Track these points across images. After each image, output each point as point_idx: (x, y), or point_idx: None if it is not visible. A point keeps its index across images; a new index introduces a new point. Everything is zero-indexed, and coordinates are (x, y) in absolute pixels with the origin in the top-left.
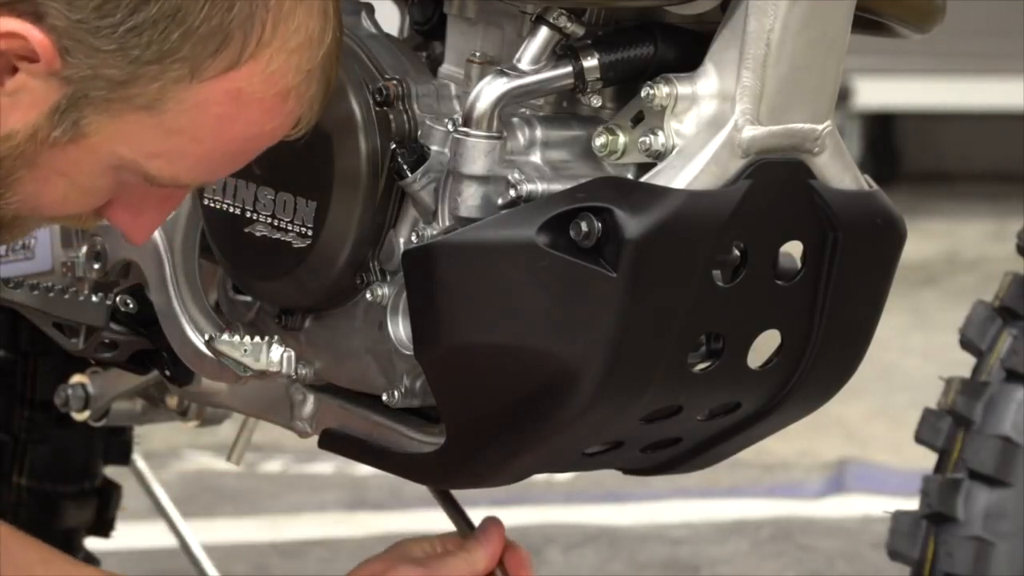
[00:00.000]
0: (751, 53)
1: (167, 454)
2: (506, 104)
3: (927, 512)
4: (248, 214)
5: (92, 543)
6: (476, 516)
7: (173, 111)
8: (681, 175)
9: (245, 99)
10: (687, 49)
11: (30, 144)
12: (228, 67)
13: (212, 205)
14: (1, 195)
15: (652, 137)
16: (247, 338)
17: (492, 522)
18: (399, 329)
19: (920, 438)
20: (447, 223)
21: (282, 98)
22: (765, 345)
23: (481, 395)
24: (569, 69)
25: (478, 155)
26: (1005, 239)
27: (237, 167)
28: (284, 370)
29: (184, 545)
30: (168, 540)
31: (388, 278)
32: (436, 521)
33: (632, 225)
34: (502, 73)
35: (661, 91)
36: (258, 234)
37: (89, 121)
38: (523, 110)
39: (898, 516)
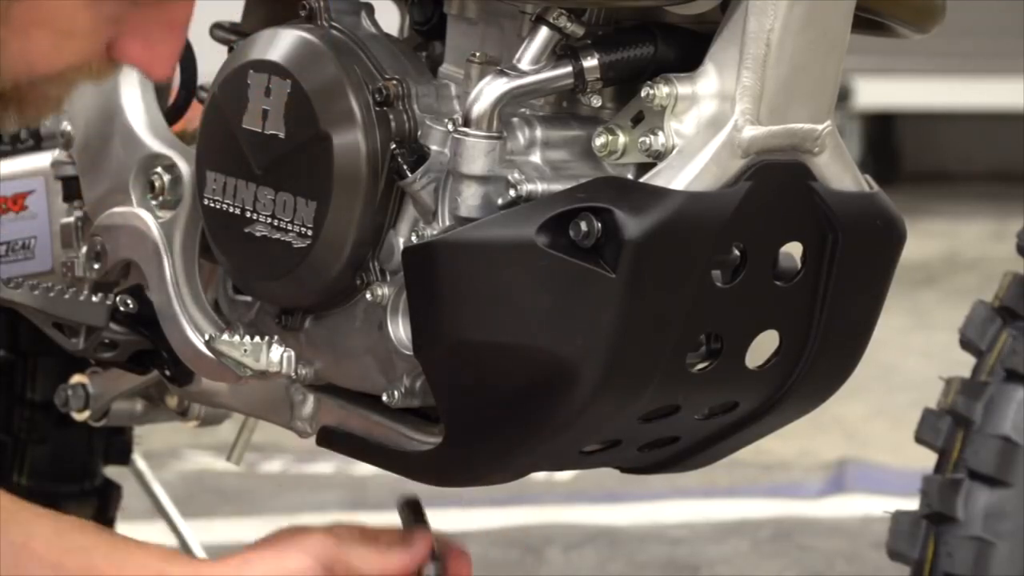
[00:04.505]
0: (751, 53)
1: (167, 454)
2: (506, 104)
3: (927, 512)
4: (248, 214)
5: None
6: (477, 516)
7: None
8: (681, 175)
9: None
10: (687, 49)
11: None
12: None
13: (212, 205)
14: None
15: (652, 137)
16: (247, 338)
17: (422, 533)
18: (399, 329)
19: (920, 438)
20: (447, 223)
21: None
22: (764, 345)
23: (480, 393)
24: (569, 69)
25: (478, 155)
26: (1005, 239)
27: None
28: (284, 370)
29: (184, 545)
30: (168, 540)
31: (388, 278)
32: (437, 522)
33: (632, 225)
34: (502, 73)
35: (661, 91)
36: (258, 234)
37: None
38: (523, 110)
39: (898, 516)
